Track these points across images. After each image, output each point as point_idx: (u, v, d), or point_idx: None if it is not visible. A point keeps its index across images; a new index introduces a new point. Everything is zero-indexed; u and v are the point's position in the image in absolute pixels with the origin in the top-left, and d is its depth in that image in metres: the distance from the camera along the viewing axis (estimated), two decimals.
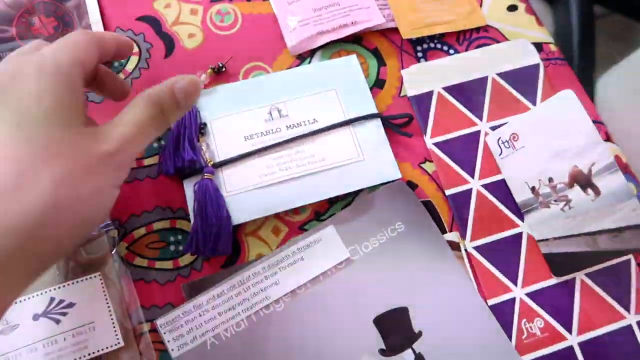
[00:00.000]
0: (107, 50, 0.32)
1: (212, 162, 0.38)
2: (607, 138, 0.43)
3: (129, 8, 0.43)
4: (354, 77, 0.41)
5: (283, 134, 0.39)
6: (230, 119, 0.39)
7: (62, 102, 0.27)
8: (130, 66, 0.41)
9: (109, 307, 0.34)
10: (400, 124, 0.41)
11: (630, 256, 0.39)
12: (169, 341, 0.35)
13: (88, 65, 0.30)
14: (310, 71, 0.41)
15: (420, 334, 0.36)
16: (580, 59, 1.12)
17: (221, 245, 0.36)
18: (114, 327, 0.33)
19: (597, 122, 0.43)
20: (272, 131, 0.39)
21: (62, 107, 0.27)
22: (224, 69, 0.41)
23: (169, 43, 0.42)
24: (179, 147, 0.37)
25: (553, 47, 0.45)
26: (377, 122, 0.40)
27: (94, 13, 0.42)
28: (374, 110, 0.40)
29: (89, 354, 0.32)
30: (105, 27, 0.42)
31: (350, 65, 0.42)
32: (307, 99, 0.40)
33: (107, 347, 0.33)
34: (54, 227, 0.26)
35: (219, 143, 0.38)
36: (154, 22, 0.42)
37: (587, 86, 1.09)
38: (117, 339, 0.33)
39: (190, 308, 0.36)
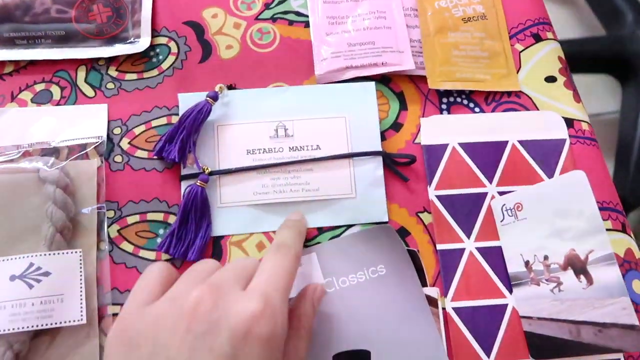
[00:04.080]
0: None
1: (208, 170, 0.39)
2: (623, 229, 0.41)
3: (179, 11, 0.45)
4: (367, 106, 0.41)
5: (284, 155, 0.40)
6: (237, 128, 0.40)
7: None
8: (166, 64, 0.43)
9: (81, 284, 0.35)
10: (401, 164, 0.41)
11: (621, 356, 0.37)
12: None
13: None
14: (325, 91, 0.42)
15: None
16: None
17: (194, 252, 0.37)
18: (81, 304, 0.35)
19: (615, 210, 0.41)
20: (274, 149, 0.40)
21: None
22: (234, 87, 0.42)
23: (207, 50, 0.44)
24: (172, 140, 0.38)
25: (585, 126, 0.44)
26: (378, 161, 0.40)
27: (146, 10, 0.45)
28: (378, 148, 0.40)
29: (51, 324, 0.34)
30: (154, 25, 0.45)
31: (366, 92, 0.42)
32: (316, 122, 0.41)
33: (69, 321, 0.34)
34: None
35: (222, 151, 0.40)
36: (198, 28, 0.45)
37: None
38: (82, 316, 0.34)
39: None
